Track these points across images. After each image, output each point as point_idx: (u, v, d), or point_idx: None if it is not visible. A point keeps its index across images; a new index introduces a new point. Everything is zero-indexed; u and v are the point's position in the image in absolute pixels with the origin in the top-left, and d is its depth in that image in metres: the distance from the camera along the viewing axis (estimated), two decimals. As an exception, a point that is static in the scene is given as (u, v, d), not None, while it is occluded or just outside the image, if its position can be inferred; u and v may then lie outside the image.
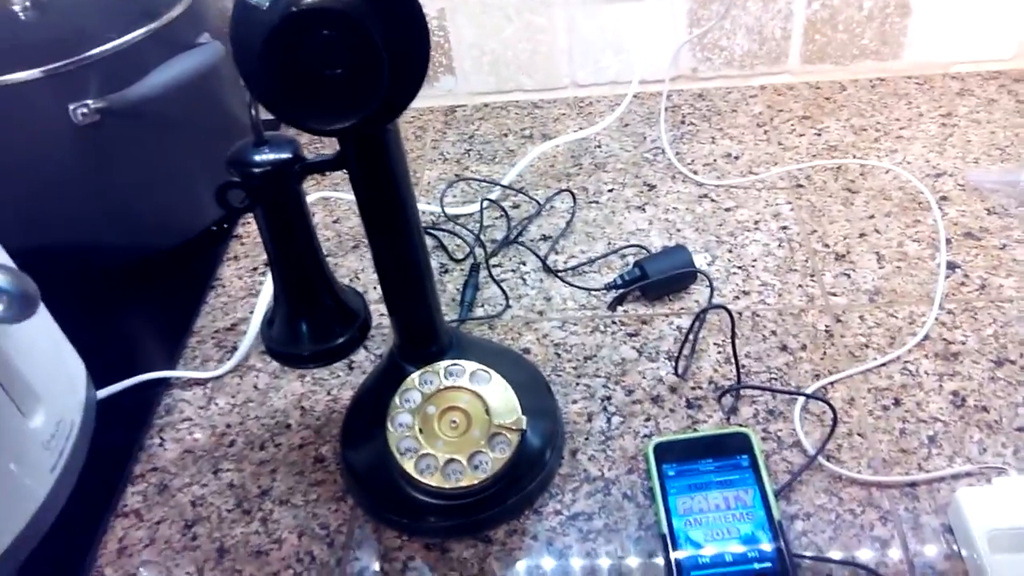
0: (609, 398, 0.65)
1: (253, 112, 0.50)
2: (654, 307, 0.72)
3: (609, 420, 0.64)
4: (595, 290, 0.74)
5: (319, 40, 0.41)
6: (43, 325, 0.60)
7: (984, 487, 0.56)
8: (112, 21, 0.76)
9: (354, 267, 0.79)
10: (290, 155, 0.50)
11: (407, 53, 0.44)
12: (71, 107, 0.73)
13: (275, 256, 0.54)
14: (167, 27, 0.77)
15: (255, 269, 0.81)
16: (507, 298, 0.74)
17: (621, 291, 0.72)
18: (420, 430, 0.56)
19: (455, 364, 0.59)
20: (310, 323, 0.56)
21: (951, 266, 0.73)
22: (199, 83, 0.79)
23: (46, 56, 0.72)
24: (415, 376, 0.59)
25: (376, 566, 0.56)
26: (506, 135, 0.95)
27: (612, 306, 0.72)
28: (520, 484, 0.58)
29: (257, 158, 0.50)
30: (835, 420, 0.59)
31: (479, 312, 0.74)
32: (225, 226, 0.86)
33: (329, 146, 0.50)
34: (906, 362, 0.65)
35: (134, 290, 0.80)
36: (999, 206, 0.79)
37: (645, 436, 0.62)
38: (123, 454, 0.65)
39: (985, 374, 0.64)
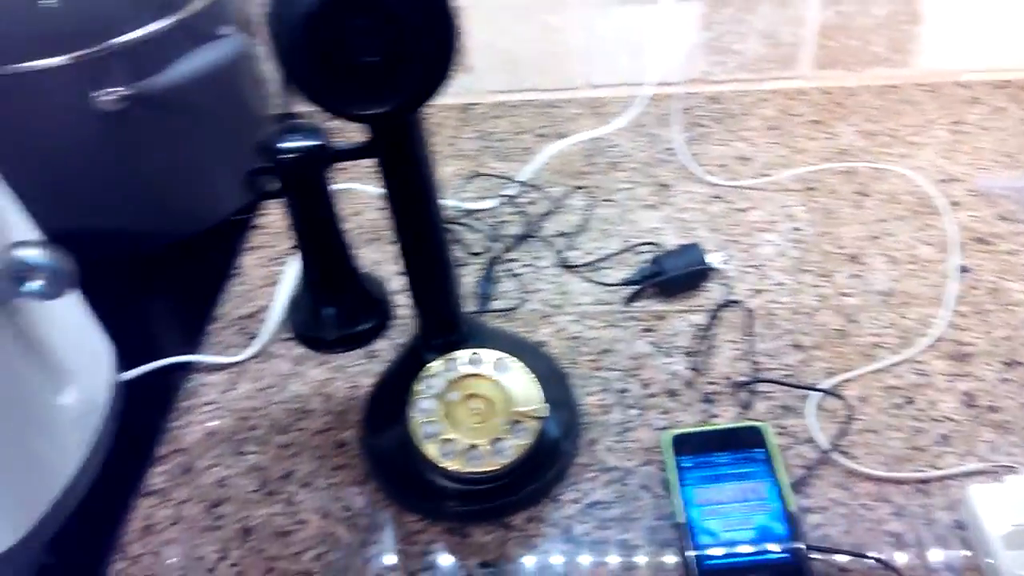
0: (625, 391, 0.66)
1: (284, 99, 0.51)
2: (669, 303, 0.73)
3: (626, 412, 0.65)
4: (611, 285, 0.75)
5: (357, 26, 0.42)
6: (73, 305, 0.61)
7: (996, 485, 0.57)
8: (137, 11, 0.77)
9: (373, 259, 0.80)
10: (320, 142, 0.51)
11: (441, 41, 0.45)
12: (95, 94, 0.74)
13: (304, 242, 0.55)
14: (191, 18, 0.78)
15: (274, 259, 0.82)
16: (524, 292, 0.75)
17: (637, 287, 0.74)
18: (444, 415, 0.57)
19: (478, 352, 0.60)
20: (335, 308, 0.57)
21: (963, 269, 0.74)
22: (221, 75, 0.80)
23: (70, 44, 0.73)
24: (439, 363, 0.60)
25: (398, 547, 0.57)
26: (521, 133, 0.96)
27: (628, 301, 0.74)
28: (539, 472, 0.59)
29: (288, 144, 0.51)
30: (850, 415, 0.60)
31: (496, 305, 0.75)
32: (245, 216, 0.86)
33: (348, 137, 0.51)
34: (918, 362, 0.66)
35: (157, 276, 0.81)
36: (1009, 212, 0.80)
37: (661, 428, 0.63)
38: (148, 435, 0.66)
39: (996, 375, 0.65)
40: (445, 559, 0.57)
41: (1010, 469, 0.59)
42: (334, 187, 0.85)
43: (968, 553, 0.54)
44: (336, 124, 0.48)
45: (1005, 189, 0.82)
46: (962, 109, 0.94)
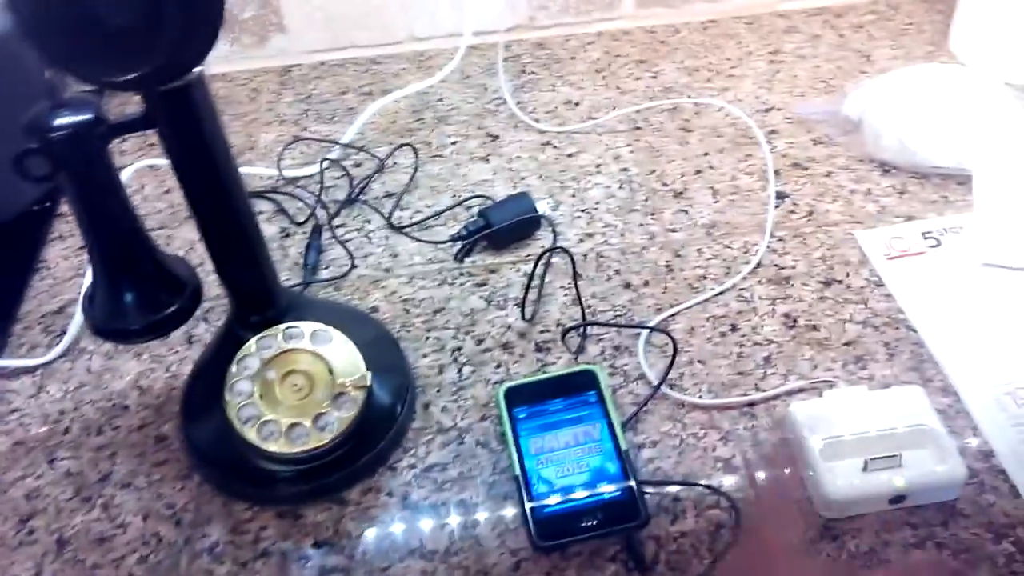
0: (459, 349, 0.65)
1: (48, 73, 0.46)
2: (501, 255, 0.72)
3: (460, 370, 0.64)
4: (441, 243, 0.74)
5: None
6: None
7: (816, 400, 0.59)
8: None
9: (190, 238, 0.76)
10: (91, 115, 0.47)
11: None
12: None
13: (87, 225, 0.51)
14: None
15: (82, 248, 0.76)
16: (352, 258, 0.73)
17: (466, 242, 0.72)
18: (260, 396, 0.55)
19: (293, 326, 0.57)
20: (134, 294, 0.53)
21: (780, 196, 0.75)
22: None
23: None
24: (252, 342, 0.57)
25: (227, 539, 0.55)
26: (345, 93, 0.92)
27: (459, 257, 0.72)
28: (371, 442, 0.57)
29: (56, 121, 0.47)
30: (675, 350, 0.61)
31: (324, 274, 0.72)
32: (47, 204, 0.80)
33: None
34: (741, 290, 0.68)
35: (-51, 279, 0.74)
36: (824, 136, 0.82)
37: (496, 383, 0.62)
38: (-57, 453, 0.61)
39: (814, 295, 0.67)
40: (277, 545, 0.54)
41: (829, 384, 0.61)
42: (139, 163, 0.80)
43: (793, 468, 0.56)
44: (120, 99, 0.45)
45: (820, 114, 0.84)
46: (779, 39, 0.96)
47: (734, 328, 0.65)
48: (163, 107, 0.48)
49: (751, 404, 0.60)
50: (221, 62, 0.96)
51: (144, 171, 0.81)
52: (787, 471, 0.56)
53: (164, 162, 0.81)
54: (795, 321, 0.65)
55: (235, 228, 0.54)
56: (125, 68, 0.42)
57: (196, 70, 0.46)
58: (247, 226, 0.54)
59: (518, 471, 0.56)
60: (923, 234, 0.71)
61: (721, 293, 0.67)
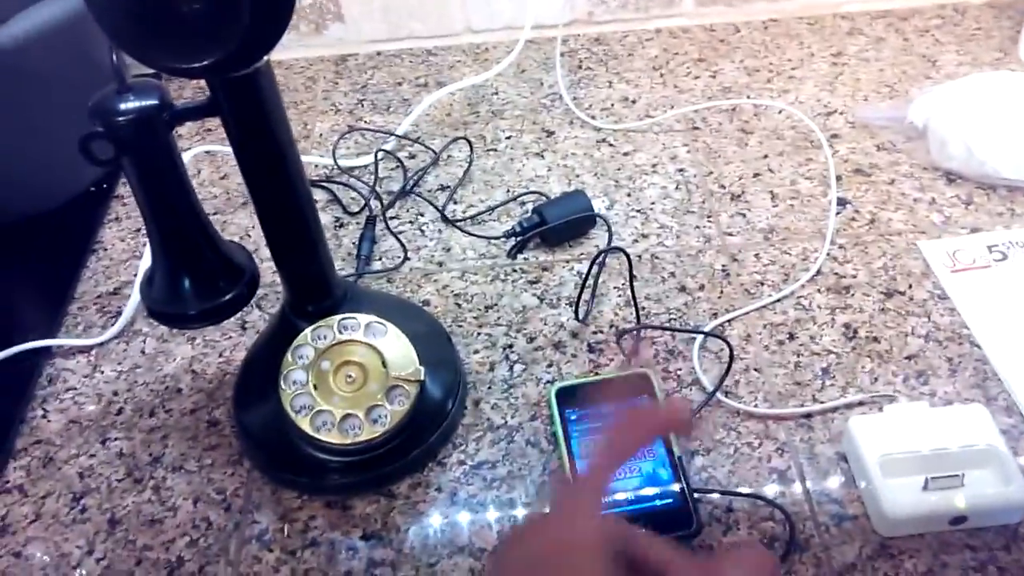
0: (511, 346, 0.65)
1: (115, 56, 0.47)
2: (554, 253, 0.72)
3: (511, 368, 0.63)
4: (494, 239, 0.73)
5: None
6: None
7: (875, 415, 0.58)
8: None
9: (245, 224, 0.76)
10: (156, 101, 0.47)
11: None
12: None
13: (149, 210, 0.51)
14: (21, -28, 0.72)
15: (138, 230, 0.77)
16: (405, 250, 0.73)
17: (520, 238, 0.72)
18: (315, 386, 0.55)
19: (349, 318, 0.57)
20: (193, 280, 0.53)
21: (841, 202, 0.74)
22: (65, 33, 0.74)
23: None
24: (307, 332, 0.57)
25: (276, 527, 0.55)
26: (400, 84, 0.92)
27: (512, 254, 0.72)
28: (422, 436, 0.57)
29: (122, 106, 0.47)
30: (731, 356, 0.60)
31: (377, 266, 0.72)
32: (104, 186, 0.81)
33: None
34: (799, 297, 0.66)
35: (10, 257, 0.75)
36: (888, 142, 0.80)
37: (547, 382, 0.62)
38: (4, 428, 0.61)
39: (875, 306, 0.66)
40: (326, 535, 0.54)
41: (890, 398, 0.59)
42: (197, 149, 0.81)
43: (851, 483, 0.55)
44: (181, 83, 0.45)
45: (883, 119, 0.82)
46: (842, 41, 0.94)
47: (792, 337, 0.64)
48: (229, 94, 0.48)
49: (808, 416, 0.59)
50: (279, 49, 0.95)
51: (202, 156, 0.82)
52: (844, 486, 0.55)
53: (221, 148, 0.82)
54: (855, 332, 0.64)
55: (295, 218, 0.54)
56: (196, 55, 0.42)
57: (263, 58, 0.46)
58: (307, 216, 0.54)
59: (569, 472, 0.55)
60: (989, 247, 0.69)
61: (779, 300, 0.66)
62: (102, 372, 0.65)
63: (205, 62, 0.42)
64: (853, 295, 0.66)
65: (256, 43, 0.43)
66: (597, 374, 0.62)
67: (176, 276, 0.54)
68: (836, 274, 0.68)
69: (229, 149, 0.81)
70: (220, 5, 0.40)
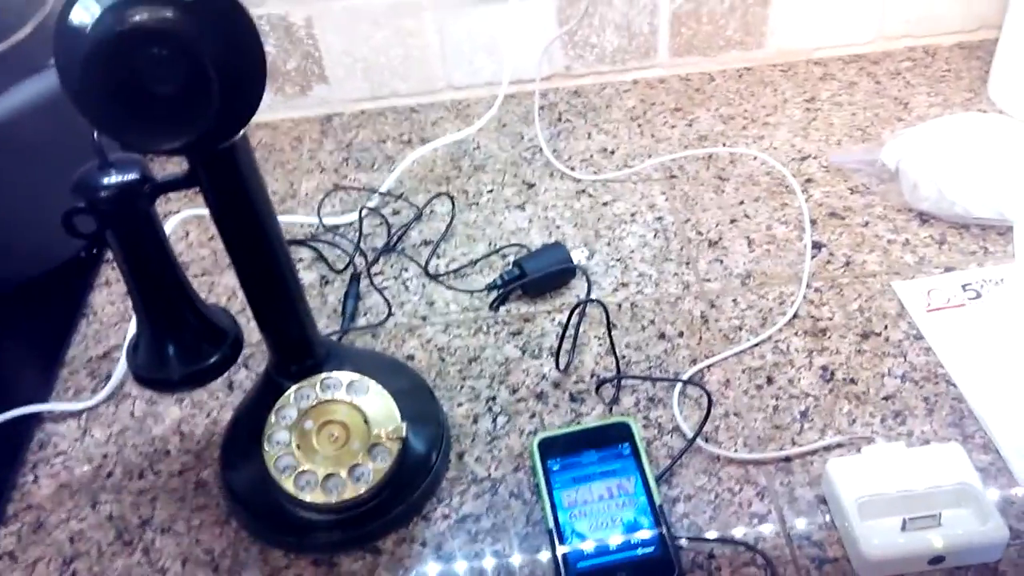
0: (494, 398, 0.66)
1: (95, 134, 0.48)
2: (536, 304, 0.73)
3: (495, 420, 0.64)
4: (476, 292, 0.74)
5: (143, 58, 0.40)
6: None
7: (853, 456, 0.58)
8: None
9: (231, 284, 0.77)
10: (137, 176, 0.49)
11: (240, 69, 0.43)
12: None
13: (132, 280, 0.53)
14: (14, 49, 0.74)
15: (128, 293, 0.78)
16: (389, 306, 0.74)
17: (502, 291, 0.73)
18: (297, 446, 0.56)
19: (331, 376, 0.58)
20: (176, 345, 0.55)
21: (817, 245, 0.75)
22: (54, 106, 0.76)
23: None
24: (291, 392, 0.58)
25: (262, 588, 0.55)
26: (384, 141, 0.94)
27: (494, 306, 0.73)
28: (405, 492, 0.58)
29: (104, 181, 0.49)
30: (710, 403, 0.61)
31: (362, 322, 0.73)
32: (95, 251, 0.83)
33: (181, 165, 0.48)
34: (777, 341, 0.68)
35: (1, 322, 0.77)
36: (861, 185, 0.82)
37: (530, 433, 0.63)
38: (-6, 494, 0.62)
39: (852, 347, 0.67)
40: (312, 593, 0.55)
41: (867, 440, 0.60)
42: (184, 214, 0.82)
43: (830, 526, 0.55)
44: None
45: (856, 163, 0.84)
46: (815, 86, 0.96)
47: (770, 381, 0.65)
48: (206, 167, 0.50)
49: (787, 459, 0.60)
50: (265, 111, 0.98)
51: (190, 219, 0.83)
52: (824, 529, 0.55)
53: (207, 212, 0.84)
54: (832, 374, 0.65)
55: (274, 281, 0.55)
56: (170, 136, 0.44)
57: (237, 134, 0.48)
58: (286, 279, 0.55)
59: (551, 524, 0.56)
60: (963, 286, 0.70)
61: (757, 345, 0.67)
62: (92, 436, 0.66)
63: (179, 143, 0.44)
64: (830, 337, 0.67)
65: (228, 122, 0.45)
66: (579, 423, 0.63)
67: (160, 342, 0.55)
68: (813, 317, 0.69)
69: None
70: (191, 89, 0.42)
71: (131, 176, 0.49)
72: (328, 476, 0.54)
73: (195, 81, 0.41)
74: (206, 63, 0.40)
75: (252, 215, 0.51)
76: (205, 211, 0.83)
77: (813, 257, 0.74)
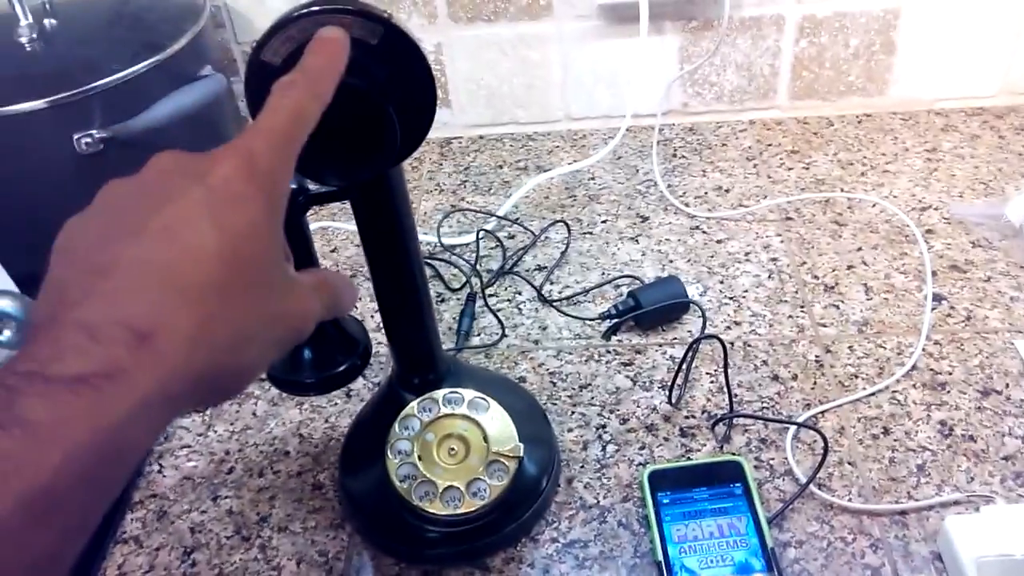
0: (604, 426, 0.66)
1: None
2: (647, 337, 0.74)
3: (604, 448, 0.65)
4: (590, 319, 0.75)
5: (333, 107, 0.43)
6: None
7: (972, 515, 0.57)
8: (117, 53, 0.78)
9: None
10: (295, 186, 0.51)
11: (418, 110, 0.46)
12: (75, 137, 0.74)
13: (279, 285, 0.55)
14: (170, 60, 0.79)
15: (254, 297, 0.81)
16: (503, 327, 0.76)
17: (615, 320, 0.74)
18: (419, 457, 0.57)
19: (454, 392, 0.60)
20: (313, 351, 0.57)
21: (937, 298, 0.74)
22: (201, 114, 0.80)
23: (51, 87, 0.74)
24: (414, 404, 0.59)
25: (375, 592, 0.57)
26: (501, 166, 0.96)
27: (607, 335, 0.74)
28: (517, 512, 0.59)
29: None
30: (826, 448, 0.60)
31: (475, 341, 0.75)
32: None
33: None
34: (894, 392, 0.67)
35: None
36: (983, 239, 0.80)
37: (639, 464, 0.63)
38: (123, 480, 0.65)
39: (972, 404, 0.65)
40: (423, 602, 0.56)
41: (986, 499, 0.59)
42: (311, 226, 0.85)
43: (946, 586, 0.54)
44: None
45: (979, 216, 0.83)
46: (936, 137, 0.95)
47: (886, 431, 0.64)
48: (363, 185, 0.52)
49: (903, 512, 0.59)
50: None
51: (316, 231, 0.87)
52: (940, 587, 0.55)
53: (331, 224, 0.87)
54: (951, 430, 0.64)
55: (410, 296, 0.57)
56: (358, 173, 0.47)
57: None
58: (421, 294, 0.57)
59: (660, 557, 0.56)
60: (1091, 350, 0.68)
61: (873, 394, 0.66)
62: (215, 431, 0.69)
63: (361, 178, 0.47)
64: (949, 392, 0.66)
65: (403, 156, 0.48)
66: (690, 459, 0.63)
67: (298, 346, 0.57)
68: (932, 370, 0.68)
69: (340, 225, 0.86)
70: (378, 136, 0.44)
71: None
72: (448, 488, 0.56)
73: (379, 126, 0.44)
74: (391, 111, 0.43)
75: (398, 231, 0.53)
76: (328, 223, 0.87)
77: (933, 309, 0.73)
